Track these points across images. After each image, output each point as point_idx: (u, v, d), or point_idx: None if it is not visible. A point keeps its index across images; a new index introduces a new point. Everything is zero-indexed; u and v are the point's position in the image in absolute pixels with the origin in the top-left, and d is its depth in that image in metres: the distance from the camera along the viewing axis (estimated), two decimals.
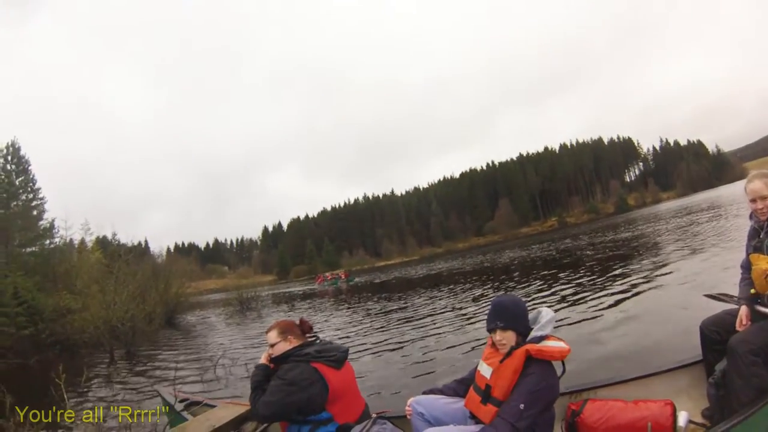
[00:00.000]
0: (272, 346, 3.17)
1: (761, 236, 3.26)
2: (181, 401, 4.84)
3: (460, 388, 3.21)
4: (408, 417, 3.14)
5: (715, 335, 3.35)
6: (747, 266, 3.39)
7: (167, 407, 4.90)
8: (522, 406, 2.51)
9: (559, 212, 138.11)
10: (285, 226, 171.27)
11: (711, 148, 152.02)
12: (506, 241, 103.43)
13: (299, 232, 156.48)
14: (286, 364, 2.96)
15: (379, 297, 20.96)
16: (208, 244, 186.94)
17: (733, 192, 62.22)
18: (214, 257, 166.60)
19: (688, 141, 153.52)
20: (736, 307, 3.40)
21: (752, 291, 3.26)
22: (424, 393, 3.27)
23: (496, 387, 2.70)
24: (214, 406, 4.44)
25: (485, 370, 2.84)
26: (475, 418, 2.84)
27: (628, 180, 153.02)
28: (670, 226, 27.14)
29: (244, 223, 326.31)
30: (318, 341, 3.24)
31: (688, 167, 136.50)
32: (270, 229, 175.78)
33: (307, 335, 3.29)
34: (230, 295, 31.03)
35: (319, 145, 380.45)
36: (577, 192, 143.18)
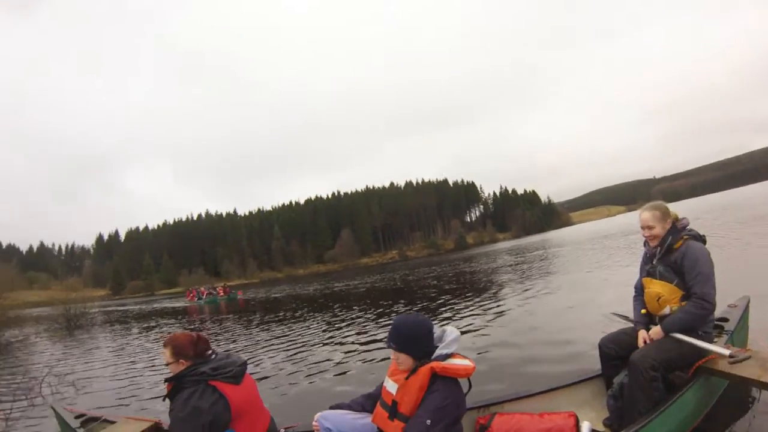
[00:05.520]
0: (167, 364, 3.03)
1: (654, 262, 3.62)
2: (78, 417, 4.41)
3: (367, 403, 3.23)
4: None
5: (613, 351, 3.67)
6: (640, 288, 3.79)
7: (62, 424, 4.44)
8: (428, 422, 2.54)
9: (400, 246, 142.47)
10: (123, 236, 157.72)
11: (543, 198, 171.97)
12: (347, 270, 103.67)
13: (137, 245, 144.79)
14: (183, 392, 2.78)
15: (267, 314, 19.81)
16: (31, 248, 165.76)
17: (560, 235, 68.51)
18: (38, 264, 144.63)
19: (525, 190, 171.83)
20: (631, 326, 3.82)
21: (643, 311, 3.67)
22: (331, 408, 3.28)
23: (403, 403, 2.73)
24: (114, 422, 4.13)
25: (391, 386, 2.87)
26: None
27: (469, 220, 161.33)
28: (521, 259, 28.58)
29: (93, 223, 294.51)
30: (214, 356, 3.05)
31: (523, 213, 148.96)
32: (105, 237, 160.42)
33: (206, 353, 3.05)
34: (56, 310, 27.79)
35: (196, 146, 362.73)
36: (419, 228, 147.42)
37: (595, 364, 3.93)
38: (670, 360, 3.26)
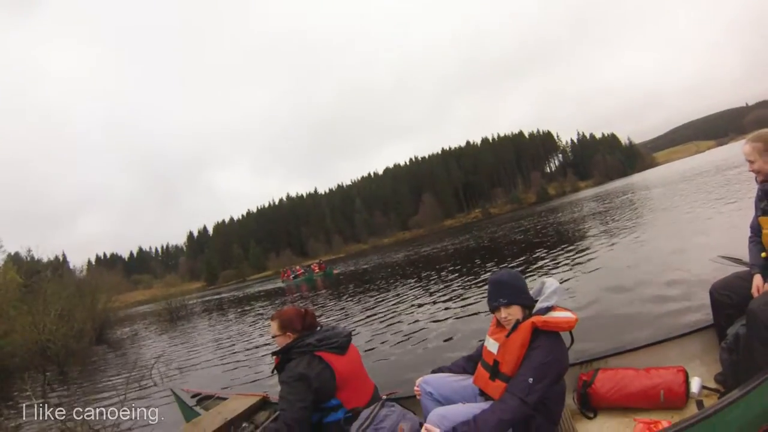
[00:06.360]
0: (273, 337, 3.16)
1: None
2: (193, 396, 4.82)
3: (468, 365, 3.15)
4: (417, 397, 3.08)
5: (726, 299, 3.21)
6: (756, 228, 3.27)
7: (180, 403, 4.83)
8: (531, 380, 2.45)
9: (482, 204, 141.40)
10: (211, 230, 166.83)
11: (623, 140, 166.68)
12: (431, 233, 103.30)
13: (225, 236, 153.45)
14: (290, 362, 2.90)
15: (361, 286, 19.97)
16: (132, 254, 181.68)
17: (646, 178, 64.98)
18: (139, 267, 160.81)
19: (603, 134, 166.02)
20: (745, 269, 3.29)
21: (763, 254, 3.15)
22: (433, 372, 3.21)
23: (504, 362, 2.63)
24: (226, 399, 4.41)
25: (492, 345, 2.76)
26: (484, 395, 2.79)
27: (548, 171, 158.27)
28: (609, 206, 27.51)
29: (185, 222, 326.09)
30: (319, 328, 3.15)
31: (604, 158, 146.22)
32: (195, 234, 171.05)
33: (313, 326, 3.16)
34: (159, 305, 30.82)
35: (271, 137, 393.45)
36: (500, 184, 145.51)
37: (705, 314, 3.60)
38: None
